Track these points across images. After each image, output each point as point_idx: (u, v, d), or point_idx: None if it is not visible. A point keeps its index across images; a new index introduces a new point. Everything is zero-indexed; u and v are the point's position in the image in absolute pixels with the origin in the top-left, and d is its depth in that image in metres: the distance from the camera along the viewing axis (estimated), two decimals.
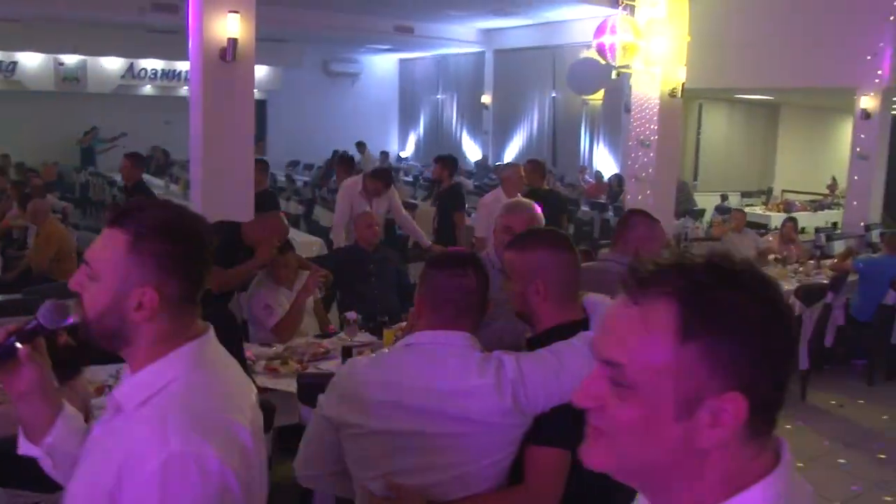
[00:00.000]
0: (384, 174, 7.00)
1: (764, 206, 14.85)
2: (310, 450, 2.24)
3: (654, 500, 1.06)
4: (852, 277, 7.36)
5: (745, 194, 16.02)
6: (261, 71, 18.49)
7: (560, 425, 2.02)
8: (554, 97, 16.04)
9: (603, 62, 8.59)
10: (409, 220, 7.21)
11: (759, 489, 0.99)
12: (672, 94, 8.63)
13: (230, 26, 6.13)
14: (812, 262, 8.48)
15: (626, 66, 8.64)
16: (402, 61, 20.82)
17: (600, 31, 8.40)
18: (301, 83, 19.03)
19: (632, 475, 1.05)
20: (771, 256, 8.31)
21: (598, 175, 14.69)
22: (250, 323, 5.18)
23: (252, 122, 6.46)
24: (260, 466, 1.64)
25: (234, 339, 3.81)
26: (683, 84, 8.65)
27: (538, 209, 3.63)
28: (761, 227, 12.02)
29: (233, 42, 6.11)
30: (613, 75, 8.55)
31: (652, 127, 8.72)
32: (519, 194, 7.10)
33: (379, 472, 2.07)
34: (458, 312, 2.14)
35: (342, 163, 8.65)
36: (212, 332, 1.69)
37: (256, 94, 18.70)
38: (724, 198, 15.04)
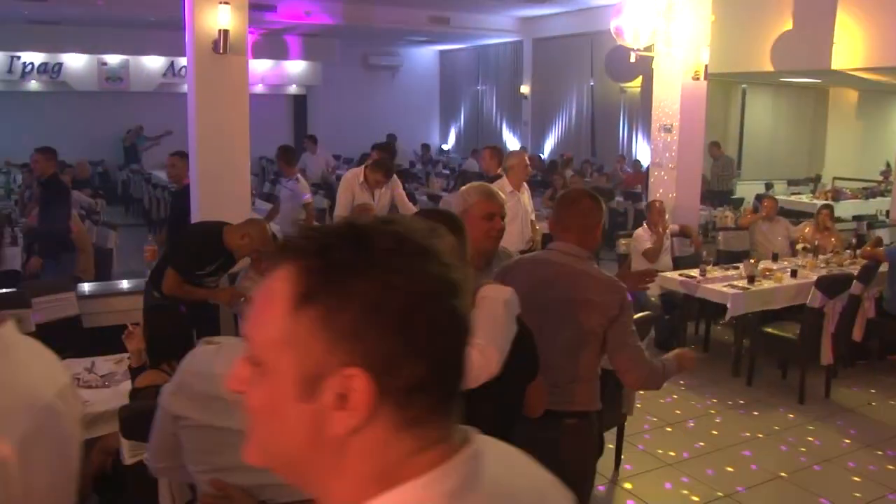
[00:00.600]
0: (384, 165, 6.82)
1: (811, 195, 14.28)
2: (154, 441, 2.15)
3: (315, 499, 0.91)
4: (884, 268, 6.95)
5: (791, 182, 15.44)
6: (300, 66, 18.60)
7: None
8: (592, 85, 15.67)
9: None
10: (413, 212, 7.02)
11: (411, 488, 0.84)
12: (695, 77, 8.26)
13: (221, 17, 6.01)
14: (848, 251, 8.08)
15: (647, 49, 8.31)
16: (442, 53, 20.62)
17: (617, 12, 8.09)
18: (341, 77, 18.98)
19: (285, 470, 0.92)
20: (799, 245, 7.92)
21: (637, 164, 14.30)
22: (239, 316, 5.08)
23: (246, 118, 6.31)
24: (27, 483, 1.49)
25: (179, 337, 3.68)
26: (707, 67, 8.26)
27: None
28: (807, 217, 11.57)
29: (224, 34, 6.00)
30: (632, 58, 8.22)
31: (674, 112, 8.36)
32: (525, 182, 6.94)
33: (207, 467, 1.96)
34: None
35: (283, 155, 8.16)
36: (9, 327, 1.54)
37: (296, 89, 19.08)
38: (769, 186, 14.52)
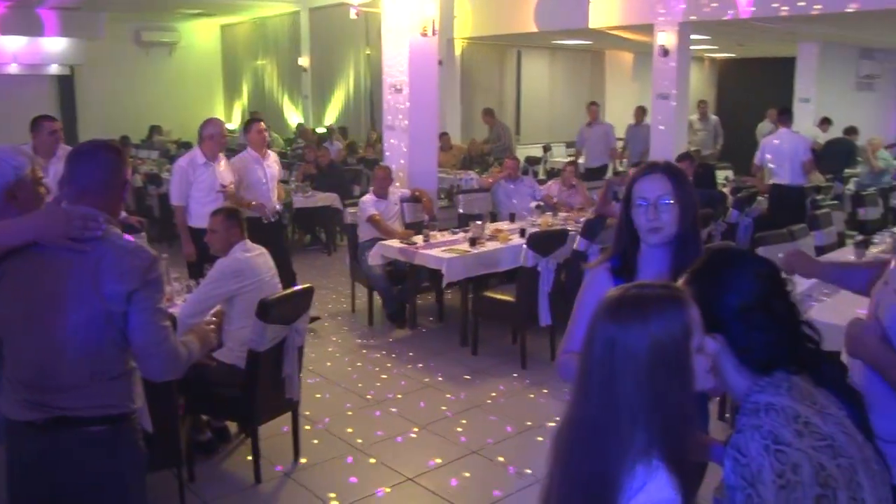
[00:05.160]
0: None
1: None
2: None
3: None
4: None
5: (570, 144, 15.52)
6: (61, 43, 17.06)
7: None
8: (368, 55, 15.14)
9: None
10: None
11: None
12: (423, 34, 7.84)
13: None
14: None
15: (372, 5, 7.83)
16: (223, 27, 19.54)
17: None
18: (111, 55, 17.56)
19: None
20: (533, 204, 7.69)
21: None
22: None
23: None
24: None
25: None
26: (435, 21, 7.87)
27: None
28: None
29: None
30: (353, 15, 7.71)
31: (403, 71, 7.93)
32: (221, 154, 6.33)
33: None
34: None
35: None
36: None
37: (58, 68, 17.52)
38: (547, 149, 14.53)
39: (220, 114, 19.22)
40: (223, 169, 6.23)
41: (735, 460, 1.51)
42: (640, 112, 12.52)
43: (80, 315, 2.37)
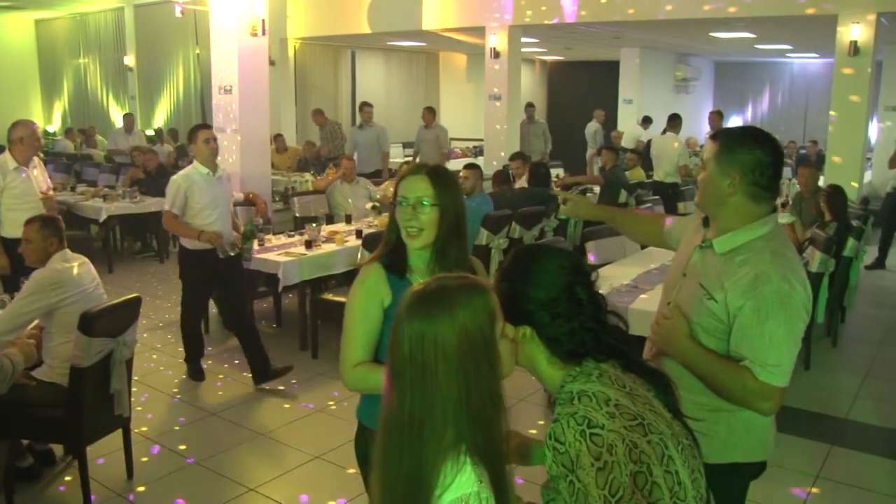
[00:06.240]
0: None
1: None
2: None
3: None
4: None
5: (407, 145, 15.64)
6: None
7: None
8: (198, 54, 14.68)
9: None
10: None
11: None
12: (253, 34, 7.68)
13: None
14: None
15: (199, 3, 7.60)
16: (38, 22, 18.38)
17: None
18: None
19: None
20: (369, 205, 7.71)
21: None
22: None
23: None
24: None
25: None
26: (265, 21, 7.72)
27: None
28: None
29: None
30: (177, 13, 7.47)
31: (233, 72, 7.74)
32: (35, 158, 5.99)
33: None
34: None
35: None
36: None
37: None
38: None
39: (37, 115, 18.10)
40: (39, 174, 5.87)
41: (554, 450, 1.56)
42: (429, 114, 12.48)
43: None
